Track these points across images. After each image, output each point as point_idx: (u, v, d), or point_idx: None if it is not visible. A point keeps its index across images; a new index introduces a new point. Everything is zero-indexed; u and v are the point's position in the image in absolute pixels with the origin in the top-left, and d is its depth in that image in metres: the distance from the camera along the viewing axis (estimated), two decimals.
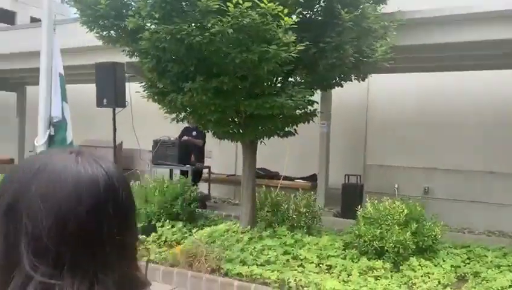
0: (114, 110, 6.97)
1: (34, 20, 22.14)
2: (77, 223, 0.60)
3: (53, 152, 0.70)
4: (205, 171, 8.79)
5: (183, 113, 5.15)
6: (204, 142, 8.42)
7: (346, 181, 7.98)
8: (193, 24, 4.02)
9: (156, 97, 4.96)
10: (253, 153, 5.77)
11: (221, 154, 9.42)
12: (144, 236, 5.89)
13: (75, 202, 0.61)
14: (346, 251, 5.33)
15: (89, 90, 7.42)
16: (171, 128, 7.27)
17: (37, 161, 0.67)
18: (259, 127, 5.30)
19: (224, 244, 5.40)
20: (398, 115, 8.49)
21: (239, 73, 4.42)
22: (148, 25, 4.25)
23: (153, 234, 5.95)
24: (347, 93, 8.07)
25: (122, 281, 0.64)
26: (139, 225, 6.31)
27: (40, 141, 7.05)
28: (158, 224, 6.26)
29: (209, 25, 3.94)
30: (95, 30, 5.00)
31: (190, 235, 5.99)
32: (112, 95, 6.78)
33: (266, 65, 4.22)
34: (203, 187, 8.81)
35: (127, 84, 6.88)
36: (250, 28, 4.03)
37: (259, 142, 5.79)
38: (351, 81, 5.50)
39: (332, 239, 5.64)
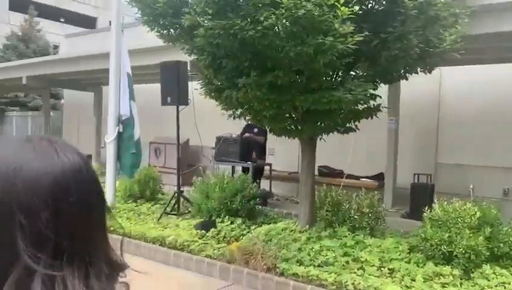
0: (177, 108, 7.17)
1: None
2: (71, 211, 0.62)
3: (22, 142, 0.67)
4: (267, 168, 8.76)
5: (239, 110, 5.13)
6: (266, 139, 8.39)
7: (416, 181, 7.53)
8: (247, 18, 3.97)
9: (212, 94, 4.98)
10: (312, 150, 5.61)
11: (284, 152, 9.33)
12: (203, 231, 5.97)
13: (65, 191, 0.62)
14: (411, 254, 5.00)
15: (158, 89, 7.66)
16: (234, 125, 7.32)
17: (13, 155, 0.63)
18: (318, 123, 5.13)
19: (281, 243, 5.31)
20: (473, 111, 7.86)
21: (294, 67, 4.30)
22: (206, 22, 4.26)
23: (212, 229, 6.01)
24: (417, 88, 7.62)
25: (108, 262, 0.67)
26: (200, 220, 6.43)
27: (109, 137, 7.46)
28: (218, 220, 6.32)
29: (262, 18, 3.86)
30: (155, 29, 5.12)
31: (248, 232, 5.97)
32: (175, 93, 6.97)
33: (322, 58, 4.05)
34: (265, 184, 8.80)
35: (190, 82, 7.04)
36: (304, 20, 3.89)
37: (319, 139, 5.63)
38: (417, 73, 5.15)
39: (396, 242, 5.33)
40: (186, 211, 7.23)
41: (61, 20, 34.69)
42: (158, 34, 5.13)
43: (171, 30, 4.94)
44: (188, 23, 4.29)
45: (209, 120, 8.00)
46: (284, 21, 3.89)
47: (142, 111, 8.18)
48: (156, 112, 9.55)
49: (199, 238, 5.86)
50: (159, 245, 5.80)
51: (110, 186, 7.33)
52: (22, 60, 13.51)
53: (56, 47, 26.74)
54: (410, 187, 7.45)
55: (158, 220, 6.80)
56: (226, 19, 3.98)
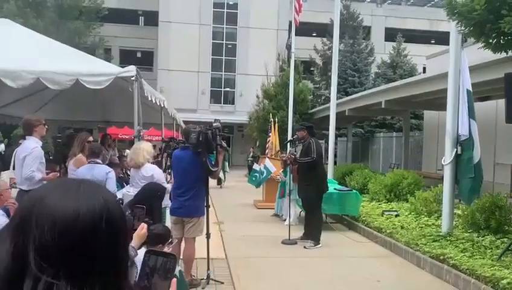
0: None
1: None
2: (72, 242, 0.77)
3: (57, 183, 0.89)
4: None
5: None
6: None
7: None
8: None
9: None
10: None
11: None
12: None
13: (70, 227, 0.77)
14: None
15: None
16: None
17: (43, 190, 0.85)
18: None
19: None
20: None
21: None
22: None
23: None
24: None
25: None
26: None
27: (446, 160, 7.04)
28: None
29: None
30: (481, 39, 4.51)
31: None
32: None
33: None
34: None
35: None
36: None
37: None
38: None
39: None
40: None
41: (432, 41, 35.42)
42: (484, 44, 4.49)
43: (501, 37, 4.22)
44: (509, 27, 3.56)
45: None
46: None
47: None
48: None
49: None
50: (491, 287, 4.98)
51: (447, 211, 6.88)
52: (380, 87, 14.70)
53: (425, 70, 27.57)
54: None
55: (499, 257, 5.83)
56: None
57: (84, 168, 4.87)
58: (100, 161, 5.02)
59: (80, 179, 0.87)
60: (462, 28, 4.47)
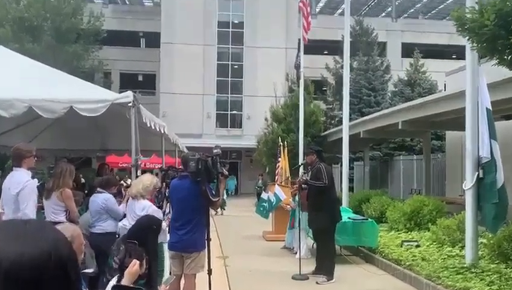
0: None
1: None
2: (22, 283, 0.83)
3: (2, 225, 0.95)
4: None
5: None
6: None
7: None
8: None
9: None
10: None
11: None
12: None
13: (19, 269, 0.84)
14: None
15: None
16: None
17: None
18: None
19: None
20: None
21: None
22: None
23: None
24: None
25: None
26: None
27: (468, 184, 6.99)
28: None
29: None
30: (496, 55, 4.57)
31: None
32: None
33: None
34: None
35: None
36: None
37: None
38: None
39: None
40: None
41: (453, 56, 35.53)
42: (498, 60, 4.55)
43: (510, 54, 4.27)
44: None
45: None
46: None
47: None
48: None
49: None
50: None
51: (470, 241, 6.80)
52: (394, 107, 14.76)
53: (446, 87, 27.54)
54: None
55: None
56: None
57: (92, 197, 5.64)
58: (103, 191, 5.55)
59: (25, 220, 0.94)
60: (474, 44, 4.54)
